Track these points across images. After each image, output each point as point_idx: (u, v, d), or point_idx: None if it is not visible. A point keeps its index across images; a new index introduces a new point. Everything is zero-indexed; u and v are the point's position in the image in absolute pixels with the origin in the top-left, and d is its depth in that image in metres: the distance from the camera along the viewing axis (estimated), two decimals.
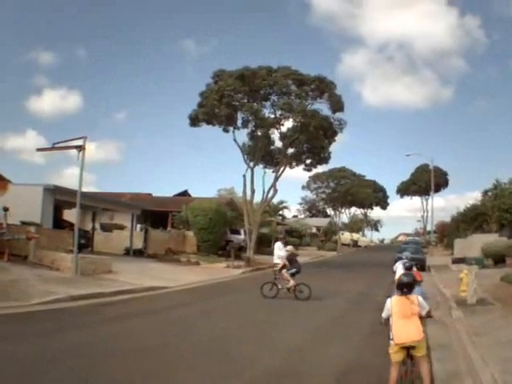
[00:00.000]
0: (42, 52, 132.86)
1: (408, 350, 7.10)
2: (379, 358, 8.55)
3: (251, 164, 41.83)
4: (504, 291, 19.36)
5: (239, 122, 40.87)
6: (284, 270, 19.58)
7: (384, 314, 7.52)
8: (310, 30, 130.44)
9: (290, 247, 20.88)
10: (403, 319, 7.10)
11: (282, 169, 42.94)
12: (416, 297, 7.38)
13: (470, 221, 53.66)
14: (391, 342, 7.22)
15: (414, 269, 13.42)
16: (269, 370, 8.94)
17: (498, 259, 33.34)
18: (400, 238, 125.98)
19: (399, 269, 11.87)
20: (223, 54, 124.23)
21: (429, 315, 7.69)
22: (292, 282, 19.32)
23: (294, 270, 19.48)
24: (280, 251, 22.49)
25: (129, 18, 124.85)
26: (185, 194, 59.36)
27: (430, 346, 10.39)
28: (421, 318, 7.27)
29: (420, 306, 7.30)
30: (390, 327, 7.35)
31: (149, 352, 9.85)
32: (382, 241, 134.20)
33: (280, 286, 19.35)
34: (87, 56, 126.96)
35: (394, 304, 7.31)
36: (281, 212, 74.32)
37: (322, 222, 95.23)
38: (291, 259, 19.86)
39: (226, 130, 41.00)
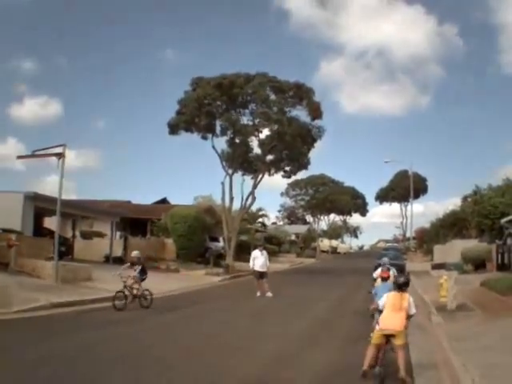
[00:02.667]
0: (24, 60, 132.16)
1: (388, 338, 8.45)
2: (362, 359, 8.67)
3: (230, 171, 41.75)
4: (484, 296, 19.54)
5: (218, 130, 40.81)
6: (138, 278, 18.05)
7: (381, 305, 9.05)
8: (289, 37, 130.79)
9: (135, 252, 18.94)
10: (393, 311, 8.56)
11: (260, 176, 42.96)
12: (408, 296, 8.88)
13: (450, 226, 54.02)
14: (377, 326, 8.71)
15: (391, 272, 13.66)
16: (251, 376, 8.98)
17: (478, 264, 33.64)
18: (380, 245, 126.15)
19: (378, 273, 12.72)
20: (202, 62, 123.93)
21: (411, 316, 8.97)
22: (138, 290, 17.96)
23: (144, 277, 18.18)
24: (260, 258, 22.73)
25: (110, 27, 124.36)
26: (164, 201, 59.20)
27: (410, 351, 10.51)
28: (407, 316, 8.69)
29: (409, 305, 8.71)
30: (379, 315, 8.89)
31: (128, 359, 9.92)
32: (361, 247, 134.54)
33: (128, 294, 17.52)
34: (68, 64, 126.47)
35: (390, 298, 8.81)
36: (260, 219, 74.23)
37: (300, 229, 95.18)
38: (144, 267, 18.35)
39: (204, 138, 40.97)
